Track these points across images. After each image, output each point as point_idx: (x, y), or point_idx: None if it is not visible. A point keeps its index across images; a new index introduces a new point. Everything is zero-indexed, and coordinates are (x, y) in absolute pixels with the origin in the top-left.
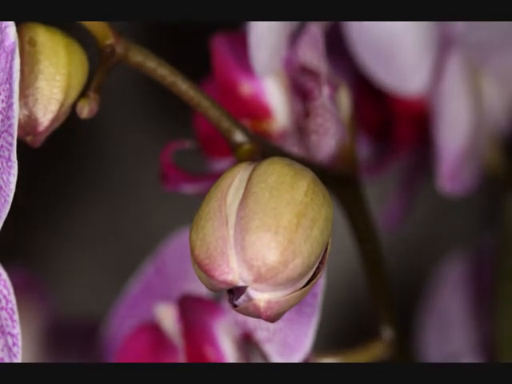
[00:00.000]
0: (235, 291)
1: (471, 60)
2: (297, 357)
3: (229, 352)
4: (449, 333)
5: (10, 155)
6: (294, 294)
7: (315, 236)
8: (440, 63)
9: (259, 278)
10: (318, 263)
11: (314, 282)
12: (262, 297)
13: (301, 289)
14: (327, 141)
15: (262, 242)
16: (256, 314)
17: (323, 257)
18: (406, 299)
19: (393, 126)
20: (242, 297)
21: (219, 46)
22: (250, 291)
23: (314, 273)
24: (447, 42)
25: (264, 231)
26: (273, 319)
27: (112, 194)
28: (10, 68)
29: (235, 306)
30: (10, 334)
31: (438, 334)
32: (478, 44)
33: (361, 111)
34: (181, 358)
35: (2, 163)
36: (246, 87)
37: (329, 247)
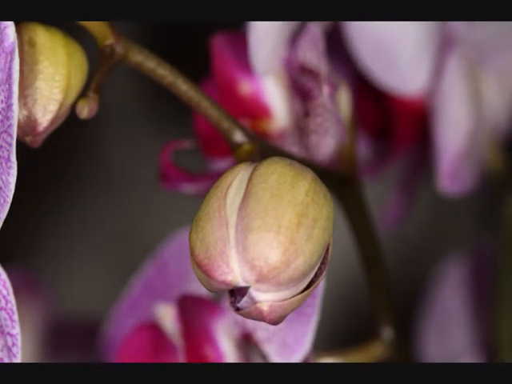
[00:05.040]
0: (236, 292)
1: (471, 60)
2: (296, 357)
3: (228, 352)
4: (449, 333)
5: (9, 156)
6: (297, 296)
7: (316, 235)
8: (440, 63)
9: (261, 278)
10: (319, 263)
11: (317, 283)
12: (264, 297)
13: (303, 291)
14: (327, 141)
15: (263, 241)
16: (259, 317)
17: (325, 257)
18: (406, 299)
19: (393, 125)
20: (245, 298)
21: (219, 46)
22: (252, 292)
23: (316, 273)
24: (447, 41)
25: (266, 231)
26: (276, 322)
27: (112, 195)
28: (10, 68)
29: (238, 309)
30: (9, 334)
31: (438, 334)
32: (478, 44)
33: (361, 111)
34: (180, 357)
35: (1, 164)
36: (245, 87)
37: (330, 247)
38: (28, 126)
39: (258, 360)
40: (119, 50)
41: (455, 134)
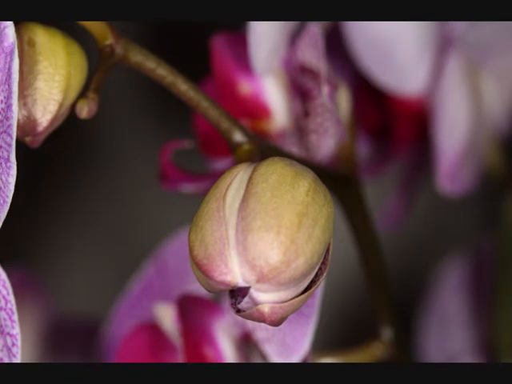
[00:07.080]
0: (237, 293)
1: (471, 60)
2: (295, 357)
3: (228, 352)
4: (449, 333)
5: (8, 156)
6: (298, 298)
7: (317, 235)
8: (439, 63)
9: (262, 278)
10: (320, 264)
11: (317, 284)
12: (264, 298)
13: (304, 292)
14: (327, 140)
15: (264, 241)
16: (260, 319)
17: (325, 257)
18: (406, 299)
19: (392, 125)
20: (245, 299)
21: (219, 46)
22: (253, 292)
23: (317, 274)
24: (447, 41)
25: (266, 231)
26: (277, 324)
27: (112, 195)
28: (9, 69)
29: (238, 311)
30: (9, 334)
31: (438, 334)
32: (478, 44)
33: (361, 111)
34: (180, 357)
35: (0, 164)
36: (245, 87)
37: (331, 247)
38: (27, 126)
39: (258, 360)
40: (119, 50)
41: (455, 134)
